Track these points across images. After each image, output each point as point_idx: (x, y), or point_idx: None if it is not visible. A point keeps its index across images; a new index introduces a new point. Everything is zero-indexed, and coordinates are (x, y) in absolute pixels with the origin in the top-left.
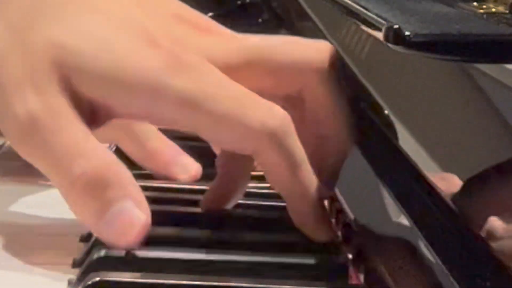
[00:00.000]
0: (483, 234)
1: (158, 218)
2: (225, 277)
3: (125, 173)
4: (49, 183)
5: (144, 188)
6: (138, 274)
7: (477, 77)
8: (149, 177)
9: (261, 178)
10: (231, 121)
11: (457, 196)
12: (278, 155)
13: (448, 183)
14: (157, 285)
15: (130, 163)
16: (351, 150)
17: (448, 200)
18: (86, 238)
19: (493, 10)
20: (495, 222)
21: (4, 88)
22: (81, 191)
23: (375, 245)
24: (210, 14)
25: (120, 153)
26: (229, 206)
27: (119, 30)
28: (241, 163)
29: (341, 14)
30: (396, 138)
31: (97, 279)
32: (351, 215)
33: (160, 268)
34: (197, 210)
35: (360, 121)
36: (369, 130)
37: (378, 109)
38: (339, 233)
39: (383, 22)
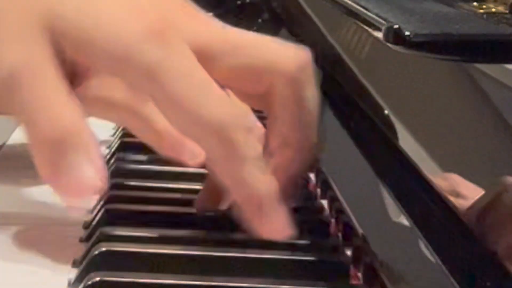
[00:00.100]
0: (483, 234)
1: (158, 218)
2: (225, 276)
3: (92, 139)
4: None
5: (147, 189)
6: (138, 274)
7: (477, 77)
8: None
9: None
10: (183, 104)
11: (457, 196)
12: (220, 147)
13: (450, 183)
14: (156, 284)
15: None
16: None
17: (448, 200)
18: (86, 238)
19: (493, 10)
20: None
21: None
22: (47, 150)
23: (375, 245)
24: (210, 14)
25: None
26: (224, 206)
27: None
28: None
29: (341, 14)
30: (396, 138)
31: (97, 279)
32: (351, 215)
33: (160, 268)
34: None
35: (360, 121)
36: (369, 130)
37: (378, 109)
38: (339, 233)
39: (383, 22)
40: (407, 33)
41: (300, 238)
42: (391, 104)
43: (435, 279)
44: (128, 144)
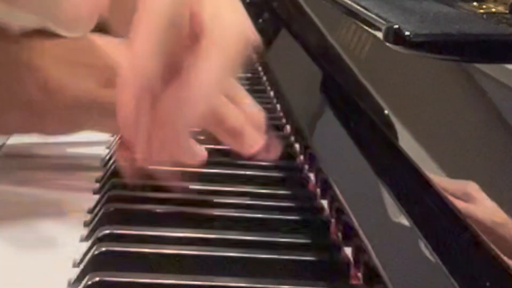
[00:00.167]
0: (483, 234)
1: (158, 218)
2: (224, 276)
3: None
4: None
5: (147, 188)
6: (138, 274)
7: (477, 77)
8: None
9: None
10: None
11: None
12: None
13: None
14: (156, 285)
15: None
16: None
17: (448, 200)
18: (86, 238)
19: (493, 10)
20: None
21: None
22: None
23: (375, 245)
24: None
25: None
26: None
27: None
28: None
29: (341, 14)
30: (396, 138)
31: (97, 279)
32: (351, 215)
33: (160, 268)
34: (197, 210)
35: (360, 121)
36: (369, 130)
37: (378, 109)
38: (339, 233)
39: (383, 22)
40: (407, 33)
41: (300, 238)
42: (391, 104)
43: (435, 279)
44: None
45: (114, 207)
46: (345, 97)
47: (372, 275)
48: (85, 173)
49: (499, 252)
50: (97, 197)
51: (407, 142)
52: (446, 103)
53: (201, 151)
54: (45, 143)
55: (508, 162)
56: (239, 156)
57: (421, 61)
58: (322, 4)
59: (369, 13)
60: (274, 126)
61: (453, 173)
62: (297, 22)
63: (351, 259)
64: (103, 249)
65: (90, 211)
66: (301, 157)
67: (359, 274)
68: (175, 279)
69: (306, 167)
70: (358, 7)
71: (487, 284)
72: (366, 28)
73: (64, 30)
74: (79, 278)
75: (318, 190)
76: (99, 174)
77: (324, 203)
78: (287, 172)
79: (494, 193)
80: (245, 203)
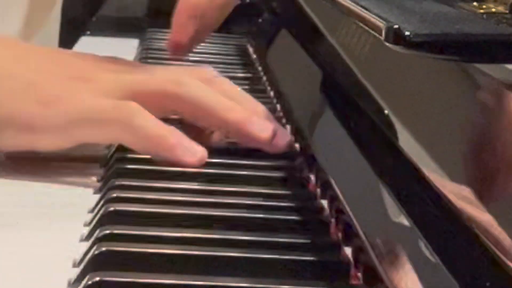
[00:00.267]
0: (483, 234)
1: (158, 218)
2: (224, 276)
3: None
4: (48, 183)
5: (147, 189)
6: (138, 274)
7: (477, 77)
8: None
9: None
10: None
11: (457, 196)
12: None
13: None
14: (156, 285)
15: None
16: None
17: (448, 200)
18: (86, 237)
19: (493, 10)
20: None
21: None
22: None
23: (375, 245)
24: None
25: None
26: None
27: None
28: None
29: (341, 14)
30: (396, 138)
31: (97, 279)
32: (351, 215)
33: (160, 268)
34: (198, 210)
35: (360, 121)
36: (369, 130)
37: (378, 109)
38: (339, 233)
39: (383, 22)
40: (407, 33)
41: (300, 238)
42: (391, 104)
43: (435, 279)
44: None
45: (114, 207)
46: (345, 97)
47: (372, 275)
48: (85, 173)
49: (499, 252)
50: (97, 197)
51: (407, 142)
52: (446, 103)
53: (202, 151)
54: None
55: (508, 162)
56: (245, 150)
57: (421, 61)
58: (322, 4)
59: (369, 13)
60: None
61: (453, 173)
62: (297, 22)
63: (351, 259)
64: (103, 249)
65: (90, 211)
66: (301, 157)
67: (359, 274)
68: (175, 279)
69: (306, 167)
70: (358, 7)
71: (487, 284)
72: (366, 28)
73: None
74: (79, 278)
75: (318, 190)
76: (99, 174)
77: (324, 203)
78: (287, 172)
79: (494, 193)
80: (245, 203)
